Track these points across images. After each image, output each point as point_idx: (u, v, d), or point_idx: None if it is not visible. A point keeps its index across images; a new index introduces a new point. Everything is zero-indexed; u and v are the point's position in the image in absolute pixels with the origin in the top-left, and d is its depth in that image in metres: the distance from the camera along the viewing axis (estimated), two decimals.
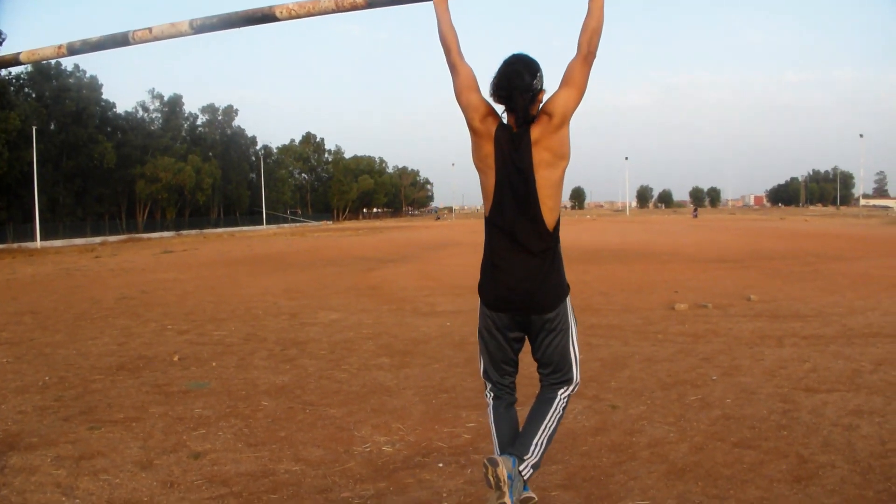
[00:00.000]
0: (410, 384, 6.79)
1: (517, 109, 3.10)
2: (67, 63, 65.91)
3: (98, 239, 57.71)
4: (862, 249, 24.79)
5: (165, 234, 68.96)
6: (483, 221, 3.38)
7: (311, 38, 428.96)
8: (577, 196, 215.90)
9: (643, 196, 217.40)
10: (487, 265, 3.29)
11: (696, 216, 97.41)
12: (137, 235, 64.26)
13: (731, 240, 33.34)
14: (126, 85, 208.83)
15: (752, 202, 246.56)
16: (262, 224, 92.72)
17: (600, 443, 4.96)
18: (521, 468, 3.08)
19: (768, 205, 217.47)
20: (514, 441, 3.27)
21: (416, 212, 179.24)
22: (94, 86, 68.97)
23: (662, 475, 4.33)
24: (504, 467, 2.97)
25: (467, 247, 30.24)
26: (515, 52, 3.22)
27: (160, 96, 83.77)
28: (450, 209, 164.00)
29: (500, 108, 3.18)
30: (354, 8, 3.22)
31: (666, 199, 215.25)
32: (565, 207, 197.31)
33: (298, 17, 3.28)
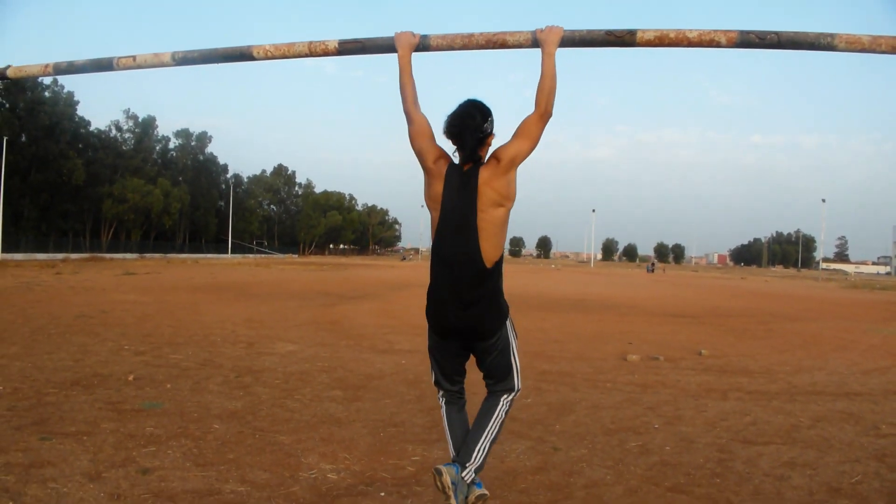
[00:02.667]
0: (361, 417, 6.91)
1: (465, 147, 3.37)
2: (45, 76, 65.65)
3: (60, 255, 57.17)
4: (817, 311, 25.35)
5: (129, 255, 68.38)
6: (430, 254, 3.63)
7: (289, 71, 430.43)
8: (543, 245, 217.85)
9: (608, 248, 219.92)
10: (432, 296, 3.55)
11: (652, 271, 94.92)
12: (100, 255, 63.68)
13: (690, 296, 33.84)
14: (101, 102, 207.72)
15: (715, 260, 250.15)
16: (228, 253, 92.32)
17: (539, 481, 5.13)
18: (463, 474, 3.41)
19: (731, 264, 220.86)
20: (462, 444, 3.58)
21: (383, 251, 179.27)
22: (69, 101, 68.83)
23: None
24: (448, 475, 3.33)
25: None
26: (471, 97, 3.50)
27: (134, 117, 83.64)
28: (417, 250, 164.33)
29: (451, 149, 3.42)
30: (326, 53, 3.45)
31: (631, 252, 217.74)
32: (531, 255, 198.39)
33: (274, 58, 3.50)
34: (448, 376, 3.74)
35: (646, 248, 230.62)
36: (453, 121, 3.39)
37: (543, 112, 3.40)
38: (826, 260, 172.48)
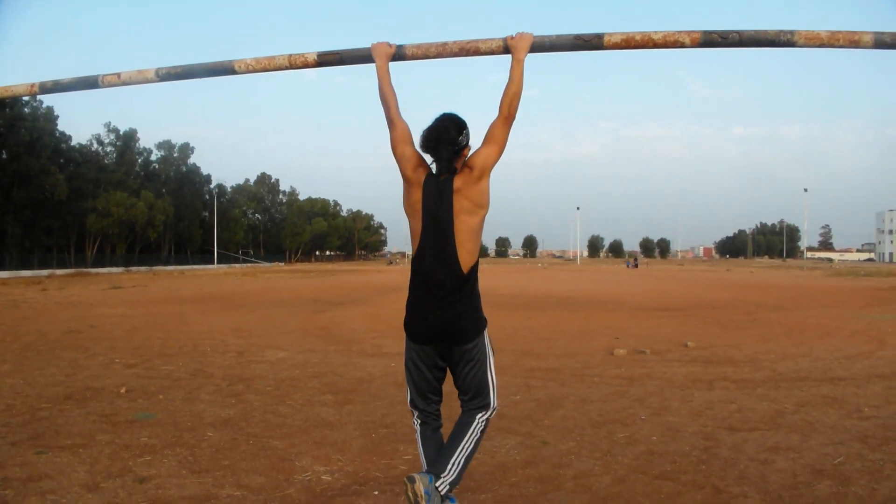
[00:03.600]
0: (352, 419, 7.00)
1: (441, 160, 3.50)
2: (30, 95, 65.40)
3: (45, 272, 56.87)
4: (802, 300, 25.64)
5: (114, 269, 68.10)
6: (410, 262, 3.74)
7: (269, 78, 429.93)
8: (529, 245, 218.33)
9: (594, 246, 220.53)
10: (411, 302, 3.69)
11: (635, 266, 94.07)
12: (85, 270, 63.39)
13: (676, 290, 34.10)
14: (82, 117, 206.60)
15: (701, 253, 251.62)
16: (214, 263, 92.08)
17: (529, 474, 5.24)
18: (437, 484, 3.43)
19: (717, 256, 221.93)
20: (436, 459, 3.61)
21: (370, 256, 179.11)
22: (49, 116, 68.46)
23: (585, 503, 4.62)
24: (421, 484, 3.33)
25: None
26: (446, 111, 3.63)
27: (116, 130, 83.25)
28: (403, 254, 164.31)
29: (429, 159, 3.55)
30: (306, 66, 3.56)
31: (616, 249, 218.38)
32: (517, 255, 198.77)
33: (255, 71, 3.60)
34: (423, 395, 3.79)
35: (631, 244, 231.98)
36: (430, 135, 3.52)
37: (507, 116, 3.54)
38: (810, 249, 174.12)
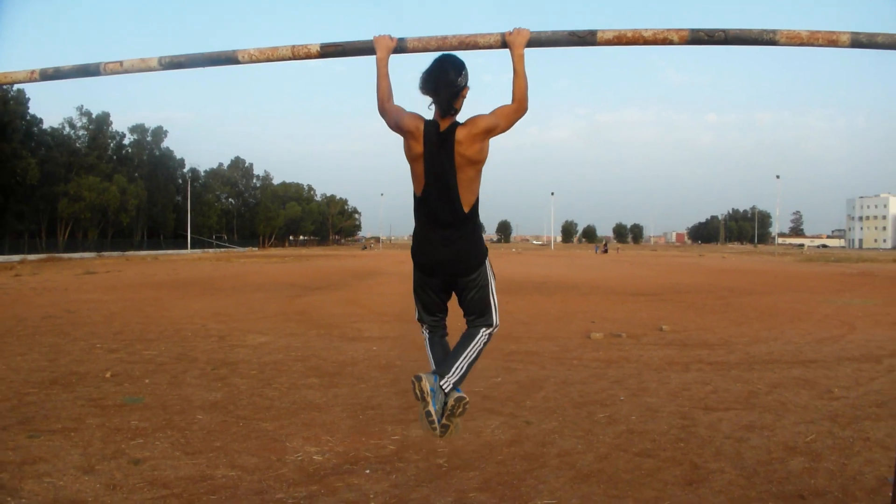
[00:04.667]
0: (339, 402, 7.13)
1: (441, 102, 3.64)
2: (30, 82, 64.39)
3: (17, 257, 56.10)
4: (773, 284, 26.08)
5: (86, 254, 67.30)
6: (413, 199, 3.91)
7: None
8: (503, 230, 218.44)
9: (568, 231, 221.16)
10: (417, 238, 3.90)
11: (604, 252, 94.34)
12: (57, 255, 62.63)
13: (650, 274, 34.46)
14: (54, 100, 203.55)
15: (673, 239, 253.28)
16: (187, 248, 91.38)
17: (514, 453, 5.42)
18: (441, 383, 3.69)
19: (689, 242, 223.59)
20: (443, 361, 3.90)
21: (344, 241, 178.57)
22: (20, 99, 67.30)
23: (569, 480, 4.81)
24: (427, 382, 3.63)
25: (394, 276, 30.67)
26: (444, 52, 3.74)
27: (88, 113, 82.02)
28: (377, 239, 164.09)
29: (427, 101, 3.70)
30: (309, 57, 3.65)
31: (590, 234, 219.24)
32: (491, 241, 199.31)
33: (258, 61, 3.68)
34: (430, 311, 4.07)
35: (605, 230, 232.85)
36: (428, 77, 3.64)
37: (518, 107, 3.69)
38: (782, 235, 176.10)
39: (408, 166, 3.82)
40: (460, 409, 3.68)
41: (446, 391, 3.70)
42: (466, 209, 3.75)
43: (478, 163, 3.71)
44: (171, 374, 8.48)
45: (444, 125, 3.67)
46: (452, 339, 4.12)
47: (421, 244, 3.88)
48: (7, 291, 22.00)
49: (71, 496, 4.48)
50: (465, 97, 3.71)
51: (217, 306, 17.19)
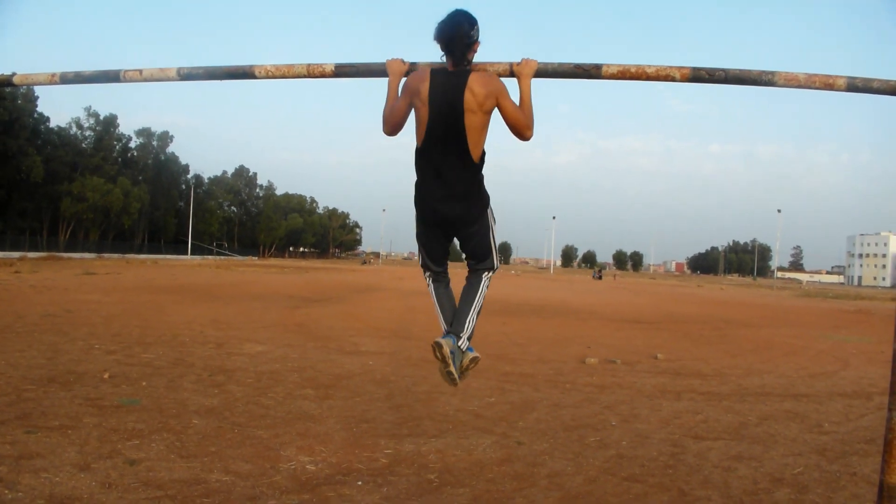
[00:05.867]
0: (333, 413, 7.20)
1: (455, 52, 3.71)
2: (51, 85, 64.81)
3: (17, 254, 56.27)
4: (770, 318, 26.14)
5: (86, 255, 67.48)
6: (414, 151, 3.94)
7: None
8: (504, 251, 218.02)
9: (568, 255, 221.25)
10: (421, 191, 3.94)
11: (599, 278, 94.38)
12: (58, 254, 62.81)
13: (648, 302, 34.53)
14: (62, 99, 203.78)
15: (673, 268, 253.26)
16: (187, 254, 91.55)
17: (505, 472, 5.50)
18: (459, 343, 3.93)
19: (688, 272, 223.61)
20: (453, 316, 4.08)
21: (344, 254, 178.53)
22: (29, 97, 67.64)
23: (558, 500, 4.89)
24: (447, 346, 3.83)
25: (393, 292, 30.78)
26: (457, 7, 3.82)
27: (95, 114, 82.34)
28: (377, 254, 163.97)
29: (439, 54, 3.77)
30: (323, 75, 3.75)
31: (590, 259, 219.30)
32: None
33: (274, 77, 3.79)
34: (435, 259, 4.21)
35: (605, 256, 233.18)
36: (444, 28, 3.70)
37: (526, 125, 3.79)
38: (781, 269, 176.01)
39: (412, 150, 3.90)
40: (473, 366, 4.02)
41: (464, 350, 3.95)
42: (475, 159, 3.80)
43: (486, 111, 3.73)
44: (168, 378, 8.55)
45: (455, 69, 3.75)
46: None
47: (423, 198, 3.92)
48: (7, 287, 22.09)
49: (67, 492, 4.55)
50: (476, 51, 3.78)
51: (215, 313, 17.26)
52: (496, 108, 3.75)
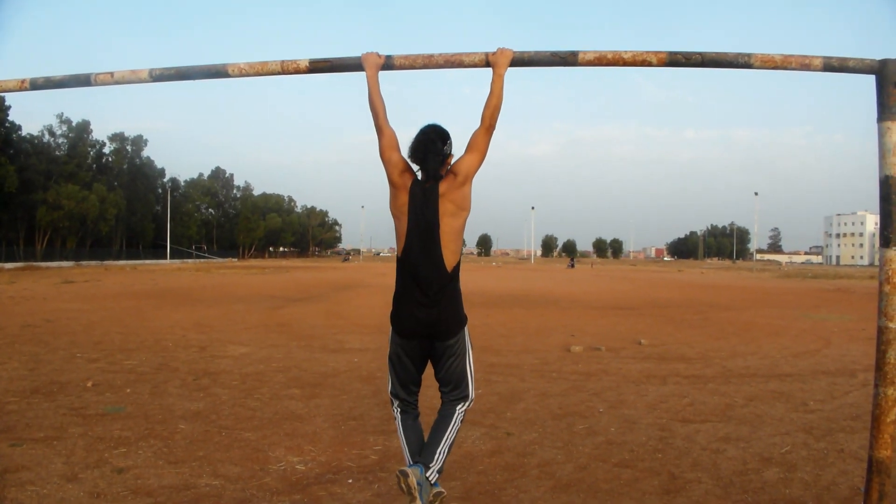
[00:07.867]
0: (321, 412, 7.17)
1: (429, 170, 3.76)
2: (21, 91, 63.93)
3: None
4: (751, 300, 26.34)
5: (64, 263, 66.75)
6: (396, 261, 3.94)
7: None
8: (484, 243, 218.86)
9: (548, 245, 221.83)
10: (398, 298, 3.88)
11: (572, 266, 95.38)
12: (35, 264, 62.13)
13: (629, 289, 34.67)
14: (33, 107, 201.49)
15: (653, 254, 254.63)
16: (166, 258, 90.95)
17: (495, 463, 5.50)
18: (427, 475, 3.66)
19: (668, 257, 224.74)
20: (421, 450, 3.84)
21: (324, 253, 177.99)
22: (0, 105, 66.71)
23: (549, 489, 4.89)
24: (413, 477, 3.56)
25: (375, 288, 30.71)
26: (431, 122, 3.87)
27: (68, 121, 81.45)
28: (357, 251, 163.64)
29: (415, 167, 3.78)
30: (297, 72, 3.73)
31: (570, 248, 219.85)
32: (471, 254, 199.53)
33: (248, 75, 3.75)
34: (405, 385, 4.00)
35: (585, 244, 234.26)
36: (417, 146, 3.78)
37: (488, 126, 3.79)
38: (760, 251, 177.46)
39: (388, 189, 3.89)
40: (437, 502, 3.70)
41: (432, 482, 3.70)
42: (449, 269, 3.78)
43: (463, 210, 3.78)
44: (153, 383, 8.48)
45: (428, 184, 3.78)
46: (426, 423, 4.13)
47: (401, 304, 3.86)
48: None
49: None
50: (449, 163, 3.83)
51: (197, 317, 17.16)
52: (473, 170, 3.79)
